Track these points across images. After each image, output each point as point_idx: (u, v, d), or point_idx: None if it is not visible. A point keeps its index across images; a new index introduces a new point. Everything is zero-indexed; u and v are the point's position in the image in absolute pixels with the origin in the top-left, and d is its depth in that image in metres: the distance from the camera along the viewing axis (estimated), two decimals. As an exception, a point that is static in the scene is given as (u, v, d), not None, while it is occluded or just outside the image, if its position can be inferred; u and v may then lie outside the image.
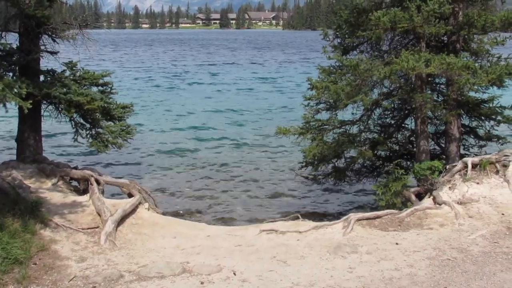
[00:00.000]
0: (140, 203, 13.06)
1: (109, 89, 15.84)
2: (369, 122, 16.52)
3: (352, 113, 16.29)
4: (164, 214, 14.34)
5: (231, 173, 21.70)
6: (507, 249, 10.36)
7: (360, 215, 12.10)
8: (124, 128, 15.51)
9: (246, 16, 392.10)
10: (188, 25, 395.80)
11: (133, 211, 12.60)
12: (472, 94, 15.87)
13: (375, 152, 16.43)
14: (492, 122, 16.31)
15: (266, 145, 26.08)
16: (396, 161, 15.35)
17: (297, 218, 12.90)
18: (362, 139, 16.36)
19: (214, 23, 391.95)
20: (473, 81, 13.98)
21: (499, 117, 15.95)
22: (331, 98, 15.12)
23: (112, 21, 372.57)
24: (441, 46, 15.99)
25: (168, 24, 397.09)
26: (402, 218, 11.98)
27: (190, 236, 11.95)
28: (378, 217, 12.05)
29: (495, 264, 9.72)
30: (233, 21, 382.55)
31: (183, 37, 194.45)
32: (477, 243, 10.68)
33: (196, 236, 11.95)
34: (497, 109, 15.96)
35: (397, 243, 10.80)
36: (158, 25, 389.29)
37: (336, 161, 16.81)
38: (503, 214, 11.91)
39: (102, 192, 13.82)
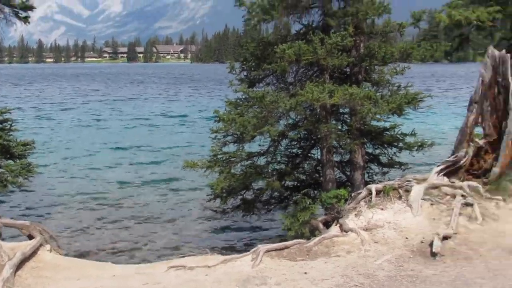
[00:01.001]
0: (41, 245, 12.58)
1: (8, 126, 15.34)
2: (276, 153, 16.79)
3: (259, 145, 16.51)
4: (68, 255, 13.90)
5: (139, 210, 21.41)
6: (412, 272, 10.72)
7: (269, 246, 12.18)
8: (25, 166, 15.04)
9: (154, 50, 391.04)
10: (94, 59, 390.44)
11: (33, 253, 12.11)
12: (374, 123, 16.50)
13: (283, 182, 16.69)
14: (394, 149, 17.00)
15: (174, 180, 25.94)
16: (303, 191, 15.65)
17: (206, 252, 12.86)
18: (269, 170, 16.58)
19: (121, 56, 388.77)
20: (375, 111, 14.57)
21: (400, 144, 16.66)
22: (238, 130, 15.28)
23: (14, 55, 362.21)
24: (344, 77, 16.57)
25: (73, 58, 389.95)
26: (310, 247, 12.16)
27: (95, 277, 11.63)
28: (287, 247, 12.18)
29: (400, 287, 10.04)
30: (141, 55, 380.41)
31: (89, 71, 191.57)
32: (383, 268, 10.98)
33: (102, 277, 11.64)
34: (398, 136, 16.68)
35: (305, 273, 10.94)
36: (63, 59, 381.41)
37: (245, 193, 16.93)
38: (407, 238, 12.32)
39: (0, 235, 13.25)
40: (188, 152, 32.42)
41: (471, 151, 14.28)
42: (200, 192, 22.48)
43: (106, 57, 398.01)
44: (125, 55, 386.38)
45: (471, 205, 12.94)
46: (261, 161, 16.68)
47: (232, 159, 16.35)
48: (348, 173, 16.83)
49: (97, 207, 21.82)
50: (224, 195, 16.45)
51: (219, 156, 16.32)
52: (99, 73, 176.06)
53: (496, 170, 14.12)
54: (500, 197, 13.57)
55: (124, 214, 20.83)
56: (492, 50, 14.27)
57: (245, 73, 16.80)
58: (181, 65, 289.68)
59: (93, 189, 24.71)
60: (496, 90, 14.34)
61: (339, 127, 16.68)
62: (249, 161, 16.60)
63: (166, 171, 28.24)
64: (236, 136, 16.03)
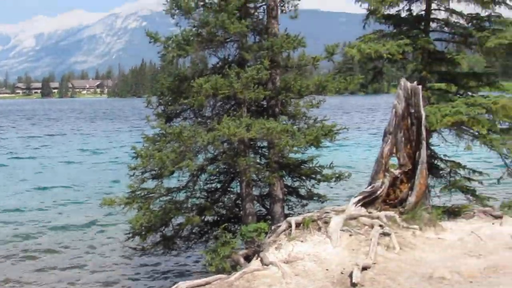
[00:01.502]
0: None
1: None
2: (195, 188, 16.68)
3: (178, 180, 16.37)
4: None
5: (56, 250, 20.70)
6: (333, 303, 10.79)
7: (189, 282, 12.00)
8: None
9: (70, 85, 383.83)
10: (6, 95, 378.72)
11: None
12: (292, 155, 16.68)
13: (203, 217, 16.57)
14: (312, 181, 17.23)
15: (92, 218, 25.27)
16: (223, 225, 15.55)
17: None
18: (189, 205, 16.44)
19: (35, 92, 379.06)
20: (292, 143, 14.76)
21: (318, 176, 16.91)
22: (157, 165, 15.10)
23: None
24: (261, 110, 16.74)
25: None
26: (231, 282, 12.05)
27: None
28: (208, 283, 12.02)
29: (322, 320, 10.06)
30: (56, 90, 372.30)
31: (2, 108, 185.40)
32: (305, 301, 11.00)
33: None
34: (316, 168, 16.93)
35: (227, 308, 10.83)
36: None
37: (164, 229, 16.70)
38: (327, 269, 12.41)
39: None
40: (106, 189, 31.72)
41: (387, 181, 14.63)
42: (119, 230, 21.97)
43: (19, 93, 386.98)
44: (39, 90, 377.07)
45: (388, 234, 13.20)
46: (181, 196, 16.52)
47: (150, 195, 16.12)
48: (268, 206, 16.90)
49: (11, 247, 20.96)
50: (143, 232, 16.16)
51: (137, 193, 16.06)
52: (12, 110, 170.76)
53: (411, 199, 14.50)
54: (416, 226, 13.93)
55: (39, 255, 20.08)
56: (404, 82, 14.77)
57: (162, 108, 16.69)
58: (97, 100, 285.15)
59: (7, 229, 23.73)
60: (409, 121, 14.81)
61: (258, 160, 16.79)
62: (168, 197, 16.41)
63: (84, 209, 27.51)
64: (154, 171, 15.82)
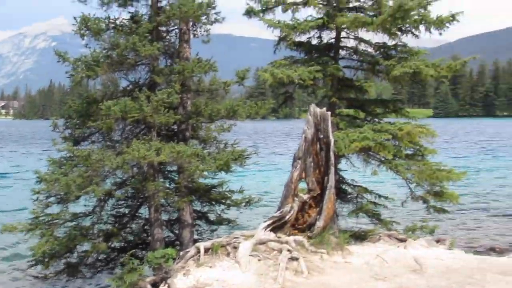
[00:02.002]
0: None
1: None
2: (102, 213, 16.36)
3: (85, 205, 16.03)
4: None
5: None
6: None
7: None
8: None
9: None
10: None
11: None
12: (202, 180, 16.70)
13: (110, 244, 16.27)
14: (222, 206, 17.31)
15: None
16: (131, 252, 15.32)
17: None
18: (95, 232, 16.08)
19: None
20: (203, 168, 14.82)
21: (228, 201, 17.02)
22: (62, 190, 14.74)
23: None
24: (171, 134, 16.72)
25: None
26: (138, 310, 11.90)
27: None
28: (113, 311, 11.82)
29: None
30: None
31: None
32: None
33: None
34: (226, 193, 17.05)
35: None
36: None
37: (69, 257, 16.24)
38: (235, 296, 12.47)
39: None
40: (8, 215, 30.49)
41: (296, 206, 14.90)
42: (21, 258, 21.17)
43: None
44: None
45: (297, 259, 13.44)
46: (87, 222, 16.15)
47: (55, 220, 15.67)
48: (177, 232, 16.82)
49: None
50: (46, 259, 15.66)
51: (41, 218, 15.57)
52: None
53: (319, 223, 14.82)
54: (324, 250, 14.24)
55: None
56: (314, 108, 15.16)
57: (69, 131, 16.33)
58: (2, 122, 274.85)
59: None
60: (318, 146, 15.19)
61: (167, 185, 16.71)
62: (74, 223, 16.00)
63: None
64: (59, 196, 15.42)
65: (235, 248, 13.82)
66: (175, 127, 16.70)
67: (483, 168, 48.91)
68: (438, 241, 17.48)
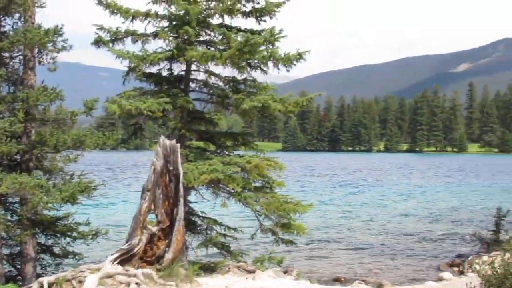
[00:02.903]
0: None
1: None
2: None
3: None
4: None
5: None
6: None
7: None
8: None
9: None
10: None
11: None
12: (47, 212, 16.29)
13: None
14: (68, 239, 16.93)
15: None
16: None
17: None
18: None
19: None
20: (47, 200, 14.52)
21: (74, 234, 16.69)
22: None
23: None
24: (14, 164, 16.19)
25: None
26: None
27: None
28: None
29: None
30: None
31: None
32: None
33: None
34: (72, 225, 16.72)
35: None
36: None
37: None
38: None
39: None
40: None
41: (144, 238, 14.91)
42: None
43: None
44: None
45: (145, 292, 13.44)
46: None
47: None
48: (19, 266, 16.20)
49: None
50: None
51: None
52: None
53: (168, 256, 14.92)
54: (173, 283, 14.37)
55: None
56: (163, 140, 15.35)
57: None
58: None
59: None
60: (167, 178, 15.35)
61: (9, 217, 16.10)
62: None
63: None
64: None
65: (81, 282, 13.60)
66: (18, 157, 16.21)
67: (331, 201, 51.02)
68: (285, 272, 18.25)
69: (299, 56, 17.44)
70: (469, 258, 23.62)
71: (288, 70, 17.82)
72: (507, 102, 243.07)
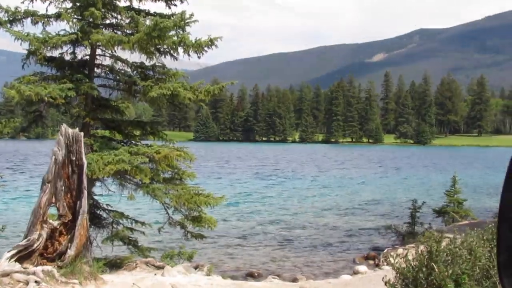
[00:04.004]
0: None
1: None
2: None
3: None
4: None
5: None
6: None
7: None
8: None
9: None
10: None
11: None
12: None
13: None
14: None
15: None
16: None
17: None
18: None
19: None
20: None
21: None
22: None
23: None
24: None
25: None
26: None
27: None
28: None
29: None
30: None
31: None
32: None
33: None
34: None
35: None
36: None
37: None
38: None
39: None
40: None
41: (45, 233, 14.58)
42: None
43: None
44: None
45: (45, 290, 13.17)
46: None
47: None
48: None
49: None
50: None
51: None
52: None
53: (71, 252, 14.65)
54: (76, 281, 14.13)
55: None
56: (65, 128, 15.01)
57: None
58: None
59: None
60: (70, 169, 15.04)
61: None
62: None
63: None
64: None
65: (-27, 282, 13.18)
66: None
67: (246, 193, 51.19)
68: (196, 267, 18.26)
69: (211, 42, 17.44)
70: (384, 251, 24.33)
71: (199, 57, 17.80)
72: (422, 93, 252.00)
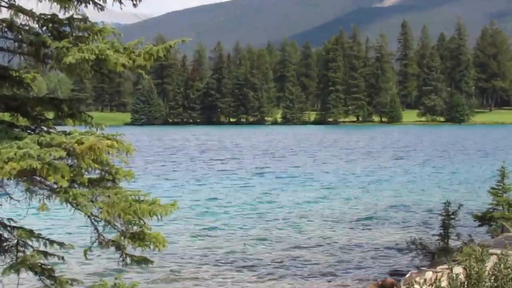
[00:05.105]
0: None
1: None
2: None
3: None
4: None
5: None
6: None
7: None
8: None
9: None
10: None
11: None
12: None
13: None
14: None
15: None
16: None
17: None
18: None
19: None
20: None
21: None
22: None
23: None
24: None
25: None
26: None
27: None
28: None
29: None
30: None
31: None
32: None
33: None
34: None
35: None
36: None
37: None
38: None
39: None
40: None
41: None
42: None
43: None
44: None
45: None
46: None
47: None
48: None
49: None
50: None
51: None
52: None
53: None
54: None
55: None
56: None
57: None
58: None
59: None
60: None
61: None
62: None
63: None
64: None
65: None
66: None
67: (210, 199, 50.86)
68: (138, 303, 18.31)
69: (153, -17, 17.45)
70: (407, 276, 24.43)
71: (135, 4, 17.76)
72: (455, 51, 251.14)
